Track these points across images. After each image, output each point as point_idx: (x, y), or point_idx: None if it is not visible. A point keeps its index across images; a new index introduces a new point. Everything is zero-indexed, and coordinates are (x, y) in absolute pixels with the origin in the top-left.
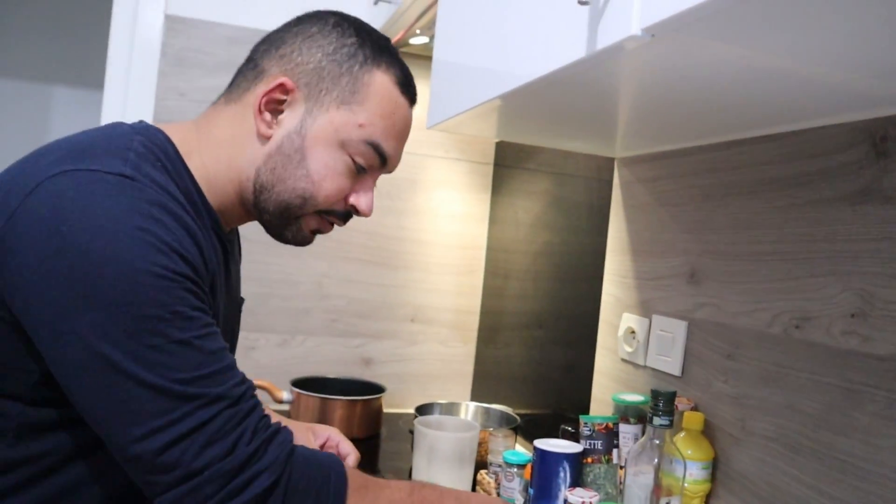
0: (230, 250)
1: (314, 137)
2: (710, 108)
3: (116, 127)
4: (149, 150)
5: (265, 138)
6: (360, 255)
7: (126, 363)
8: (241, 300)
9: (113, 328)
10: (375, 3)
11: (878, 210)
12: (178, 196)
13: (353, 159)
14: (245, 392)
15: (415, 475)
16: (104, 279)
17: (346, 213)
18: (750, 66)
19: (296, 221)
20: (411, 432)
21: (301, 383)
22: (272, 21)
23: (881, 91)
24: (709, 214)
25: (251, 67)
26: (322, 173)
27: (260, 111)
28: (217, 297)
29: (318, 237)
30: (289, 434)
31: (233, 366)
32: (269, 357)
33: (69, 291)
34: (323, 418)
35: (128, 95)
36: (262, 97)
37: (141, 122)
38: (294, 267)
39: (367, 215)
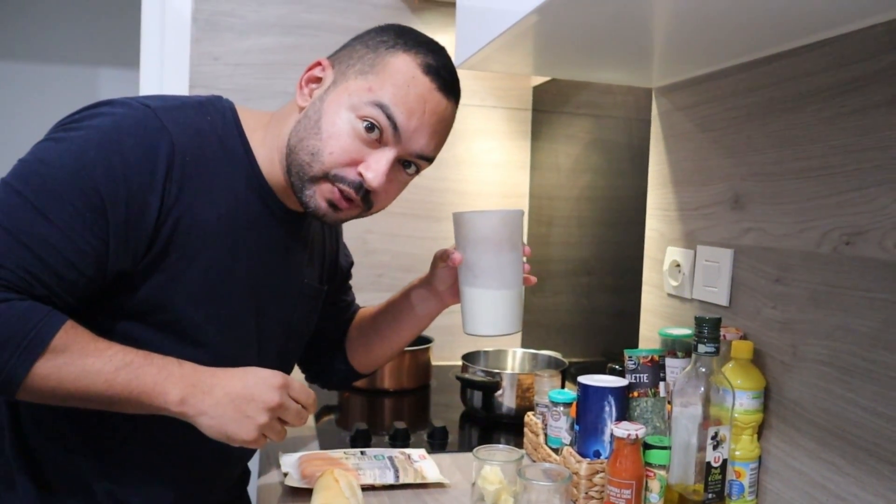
0: (293, 229)
1: (330, 102)
2: (745, 18)
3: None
4: (199, 103)
5: (301, 109)
6: (402, 209)
7: None
8: (310, 286)
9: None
10: None
11: None
12: (196, 132)
13: (360, 120)
14: None
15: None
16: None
17: (357, 184)
18: None
19: (310, 184)
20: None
21: None
22: None
23: None
24: (751, 135)
25: None
26: (330, 132)
27: (301, 87)
28: (198, 237)
29: None
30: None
31: (10, 247)
32: None
33: None
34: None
35: (164, 64)
36: (304, 74)
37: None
38: None
39: (371, 187)
